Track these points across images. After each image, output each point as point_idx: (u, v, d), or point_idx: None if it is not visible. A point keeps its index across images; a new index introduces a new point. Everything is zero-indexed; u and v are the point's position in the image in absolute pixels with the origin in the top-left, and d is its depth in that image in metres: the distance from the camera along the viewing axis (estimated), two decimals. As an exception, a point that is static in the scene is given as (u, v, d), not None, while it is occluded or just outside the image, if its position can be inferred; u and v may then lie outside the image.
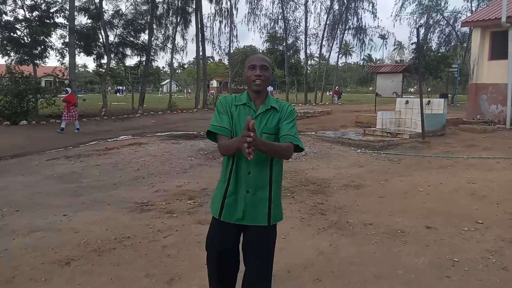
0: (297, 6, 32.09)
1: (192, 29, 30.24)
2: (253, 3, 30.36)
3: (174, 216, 4.53)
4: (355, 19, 32.43)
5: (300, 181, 6.09)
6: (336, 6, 31.84)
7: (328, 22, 31.98)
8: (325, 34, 32.28)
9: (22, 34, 18.47)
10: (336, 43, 33.73)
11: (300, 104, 29.28)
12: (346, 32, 32.95)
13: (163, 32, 24.87)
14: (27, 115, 14.73)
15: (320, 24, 35.55)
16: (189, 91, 58.11)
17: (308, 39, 32.23)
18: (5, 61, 18.49)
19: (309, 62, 38.96)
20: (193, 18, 25.22)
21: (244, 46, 58.25)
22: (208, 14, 32.47)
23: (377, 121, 12.04)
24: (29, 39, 18.27)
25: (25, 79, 15.12)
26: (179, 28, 25.22)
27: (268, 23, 32.83)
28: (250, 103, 1.99)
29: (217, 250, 2.05)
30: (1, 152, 9.68)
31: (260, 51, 55.63)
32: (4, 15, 17.95)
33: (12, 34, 18.21)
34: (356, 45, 34.34)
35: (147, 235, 3.93)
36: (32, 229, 4.08)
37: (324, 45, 32.92)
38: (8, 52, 18.26)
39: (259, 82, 1.95)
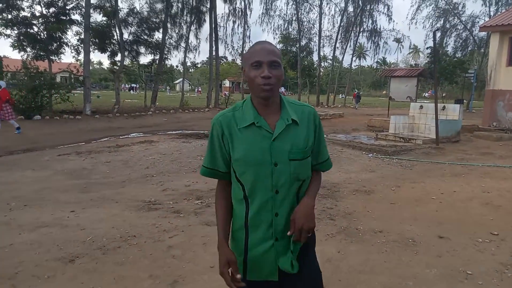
0: (312, 8, 31.84)
1: (205, 28, 30.35)
2: (267, 4, 30.33)
3: (181, 216, 4.48)
4: (370, 21, 32.16)
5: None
6: (350, 8, 31.60)
7: (342, 24, 31.76)
8: (339, 36, 32.08)
9: (39, 30, 18.75)
10: (350, 46, 33.47)
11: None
12: (360, 34, 32.68)
13: (177, 31, 25.03)
14: (41, 110, 14.93)
15: (334, 26, 35.36)
16: (200, 89, 58.44)
17: (321, 41, 32.05)
18: (21, 56, 18.80)
19: (322, 64, 38.69)
20: (207, 18, 25.30)
21: (257, 46, 58.33)
22: (222, 14, 32.52)
23: (390, 126, 11.85)
24: (45, 35, 18.53)
25: (40, 75, 15.33)
26: (193, 27, 25.33)
27: (282, 24, 32.82)
28: (259, 121, 1.41)
29: None
30: (14, 146, 9.80)
31: (273, 52, 55.45)
32: (21, 11, 18.24)
33: (28, 30, 18.50)
34: (370, 48, 34.04)
35: (152, 234, 3.89)
36: (38, 225, 4.08)
37: (337, 47, 32.71)
38: (25, 47, 18.55)
39: (268, 87, 1.37)
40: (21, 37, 18.49)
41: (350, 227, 4.22)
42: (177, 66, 58.78)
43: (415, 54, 67.52)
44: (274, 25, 43.18)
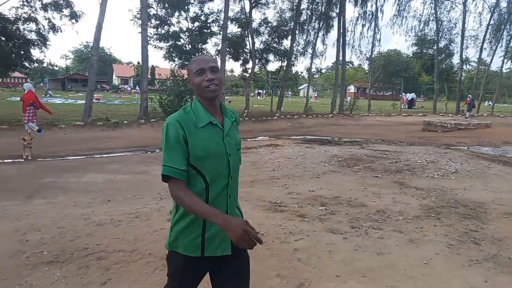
0: (453, 6, 28.67)
1: (333, 34, 30.14)
2: (401, 5, 28.45)
3: (305, 221, 4.51)
4: (530, 17, 27.31)
5: (448, 202, 5.38)
6: (503, 4, 27.42)
7: (491, 22, 27.78)
8: (487, 36, 28.12)
9: (185, 42, 21.35)
10: (501, 46, 29.03)
11: (451, 115, 26.22)
12: (516, 32, 28.04)
13: (304, 38, 25.50)
14: (184, 113, 16.89)
15: (481, 25, 31.14)
16: (316, 95, 57.10)
17: (465, 41, 28.59)
18: (170, 66, 21.69)
19: (464, 67, 34.44)
20: (335, 23, 25.10)
21: (388, 50, 55.31)
22: (351, 18, 32.04)
23: (554, 140, 9.85)
24: (190, 47, 20.99)
25: (185, 81, 17.38)
26: (320, 33, 25.43)
27: (417, 25, 30.40)
28: (214, 121, 1.65)
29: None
30: (159, 144, 11.30)
31: (405, 55, 51.99)
32: (171, 26, 21.06)
33: (177, 42, 21.23)
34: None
35: (279, 235, 4.00)
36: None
37: (485, 49, 28.74)
38: (173, 58, 21.35)
39: (214, 87, 1.62)
40: (171, 49, 21.35)
41: (500, 255, 3.63)
42: (301, 72, 59.83)
43: None
44: (407, 26, 40.25)
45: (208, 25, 21.58)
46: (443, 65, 31.20)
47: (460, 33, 28.43)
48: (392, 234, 4.12)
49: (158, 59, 71.12)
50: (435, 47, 29.91)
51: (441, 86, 32.37)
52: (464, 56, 30.32)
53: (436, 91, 30.45)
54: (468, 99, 26.75)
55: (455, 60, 32.42)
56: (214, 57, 21.92)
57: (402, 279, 3.13)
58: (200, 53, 21.12)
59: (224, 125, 1.68)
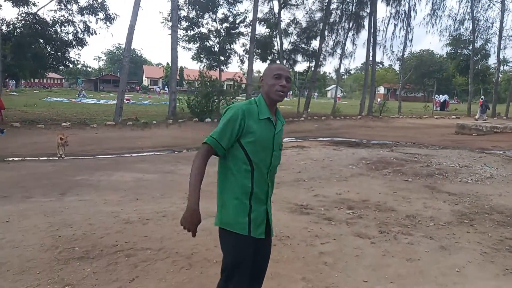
0: (491, 4, 27.50)
1: (363, 34, 29.62)
2: (435, 4, 27.56)
3: (332, 224, 4.45)
4: None
5: (482, 208, 5.15)
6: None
7: (532, 20, 26.44)
8: (527, 35, 26.78)
9: (213, 44, 21.60)
10: (543, 45, 27.59)
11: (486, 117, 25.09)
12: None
13: (333, 38, 25.18)
14: (211, 113, 17.07)
15: (520, 24, 29.62)
16: (339, 96, 55.54)
17: (502, 41, 27.35)
18: (199, 67, 22.01)
19: (501, 68, 32.95)
20: (366, 23, 24.67)
21: (420, 50, 53.72)
22: (382, 17, 31.47)
23: None
24: (218, 48, 21.21)
25: (212, 83, 17.58)
26: (350, 34, 25.06)
27: (452, 25, 29.33)
28: (272, 118, 1.96)
29: (248, 267, 1.93)
30: (187, 144, 11.48)
31: (439, 56, 50.44)
32: (201, 28, 21.37)
33: (205, 43, 21.51)
34: None
35: (305, 238, 3.96)
36: (210, 214, 4.63)
37: (524, 48, 27.38)
38: (202, 59, 21.64)
39: (282, 94, 1.94)
40: (199, 50, 21.66)
41: (539, 266, 3.44)
42: (329, 73, 59.16)
43: None
44: (441, 26, 38.89)
45: (236, 25, 21.73)
46: (479, 66, 29.98)
47: (498, 33, 27.24)
48: (423, 240, 3.99)
49: (186, 60, 72.49)
50: (470, 48, 28.80)
51: (476, 88, 31.15)
52: (501, 57, 29.01)
53: (470, 93, 29.30)
54: (481, 100, 24.68)
55: (492, 60, 31.11)
56: (242, 57, 22.18)
57: (432, 287, 3.03)
58: (228, 54, 21.38)
59: (277, 125, 2.00)
